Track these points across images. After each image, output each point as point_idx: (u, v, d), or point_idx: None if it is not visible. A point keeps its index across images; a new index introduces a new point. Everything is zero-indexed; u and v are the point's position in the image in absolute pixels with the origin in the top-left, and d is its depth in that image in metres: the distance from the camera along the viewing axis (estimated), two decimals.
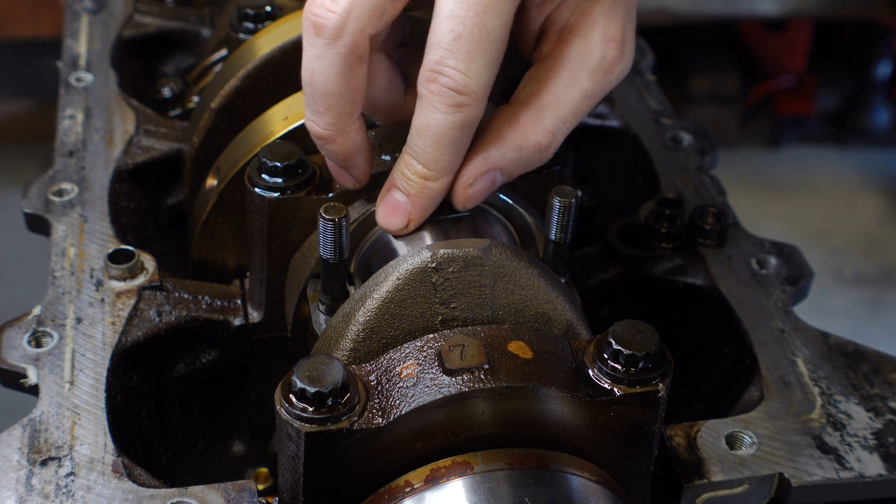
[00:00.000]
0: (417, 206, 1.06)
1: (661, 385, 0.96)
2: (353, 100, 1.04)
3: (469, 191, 1.07)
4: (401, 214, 1.07)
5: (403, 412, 0.92)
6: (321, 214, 1.04)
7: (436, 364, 0.95)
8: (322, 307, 1.12)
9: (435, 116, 1.01)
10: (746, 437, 1.12)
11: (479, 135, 1.06)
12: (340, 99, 1.04)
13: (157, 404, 1.25)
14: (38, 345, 1.17)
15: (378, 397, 0.94)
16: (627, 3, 1.07)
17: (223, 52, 1.52)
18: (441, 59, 0.98)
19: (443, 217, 1.10)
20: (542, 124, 1.05)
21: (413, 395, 0.93)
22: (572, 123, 1.06)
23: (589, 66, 1.05)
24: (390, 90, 1.10)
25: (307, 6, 1.02)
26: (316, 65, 1.03)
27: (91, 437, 1.08)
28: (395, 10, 1.02)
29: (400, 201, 1.07)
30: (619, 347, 0.96)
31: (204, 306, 1.25)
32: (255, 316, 1.25)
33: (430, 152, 1.03)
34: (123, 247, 1.27)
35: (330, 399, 0.91)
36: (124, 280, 1.24)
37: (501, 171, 1.06)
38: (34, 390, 1.14)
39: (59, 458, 1.06)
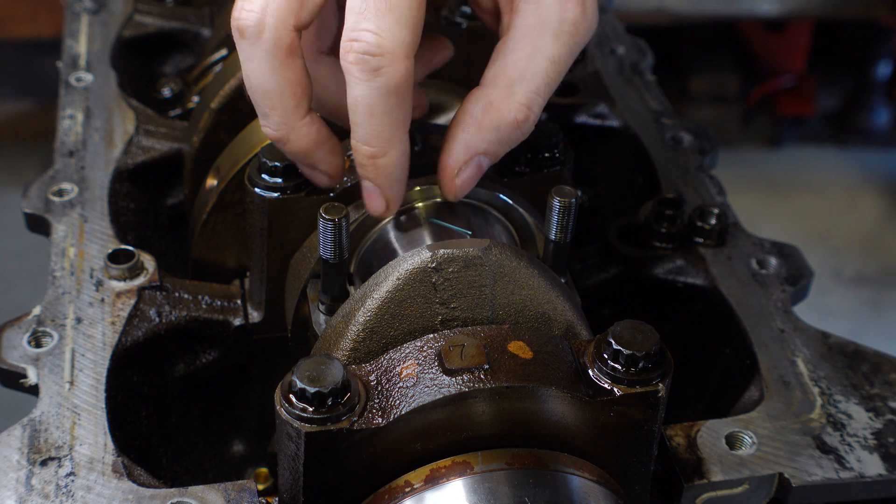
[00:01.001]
0: (383, 186, 1.05)
1: (661, 385, 0.96)
2: (295, 94, 1.03)
3: (457, 181, 1.06)
4: (376, 199, 1.06)
5: (403, 412, 0.92)
6: (321, 214, 1.04)
7: (436, 364, 0.95)
8: (322, 307, 1.12)
9: (359, 88, 0.98)
10: (746, 437, 1.12)
11: (455, 122, 1.05)
12: (281, 96, 1.03)
13: (157, 404, 1.25)
14: (38, 345, 1.17)
15: (378, 397, 0.94)
16: None
17: (223, 52, 1.52)
18: (354, 24, 0.97)
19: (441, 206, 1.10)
20: (515, 100, 1.03)
21: (413, 395, 0.93)
22: (546, 92, 1.04)
23: (550, 31, 1.02)
24: (344, 91, 1.06)
25: (231, 15, 1.03)
26: (248, 67, 1.03)
27: (91, 437, 1.08)
28: (317, 1, 1.01)
29: (368, 187, 1.06)
30: (619, 347, 0.96)
31: (204, 306, 1.25)
32: (255, 316, 1.25)
33: (365, 126, 1.01)
34: (123, 247, 1.27)
35: (330, 399, 0.91)
36: (124, 280, 1.24)
37: (485, 154, 1.05)
38: (34, 390, 1.14)
39: (59, 458, 1.06)
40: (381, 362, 0.97)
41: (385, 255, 1.12)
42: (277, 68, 1.02)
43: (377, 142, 1.01)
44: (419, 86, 1.16)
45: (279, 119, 1.05)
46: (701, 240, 1.35)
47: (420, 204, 1.14)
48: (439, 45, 1.17)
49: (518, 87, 1.03)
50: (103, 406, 1.11)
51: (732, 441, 1.11)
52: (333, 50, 1.08)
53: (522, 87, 1.03)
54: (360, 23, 0.97)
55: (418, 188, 1.13)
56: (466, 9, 1.36)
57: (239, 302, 1.27)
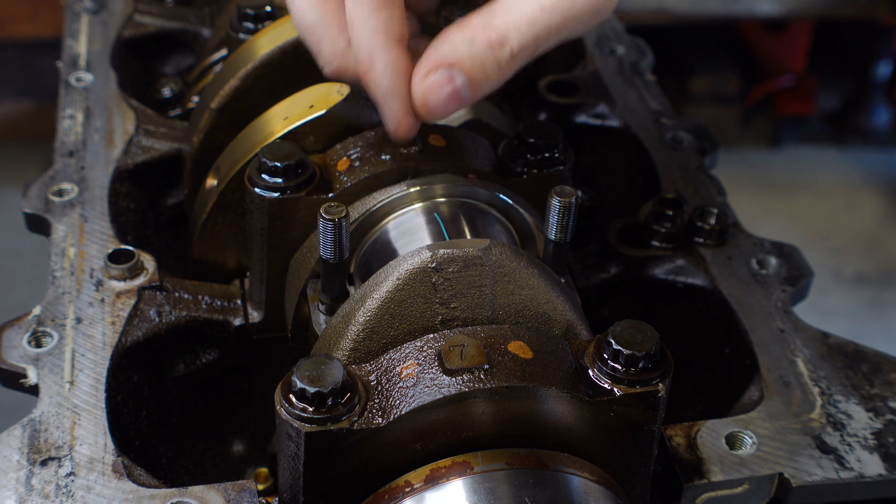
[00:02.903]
0: (379, 99, 1.06)
1: (661, 385, 0.96)
2: (338, 22, 1.07)
3: (421, 86, 1.04)
4: (386, 117, 1.07)
5: (403, 412, 0.92)
6: (321, 214, 1.04)
7: (436, 364, 0.95)
8: (322, 307, 1.12)
9: (347, 6, 1.05)
10: (746, 437, 1.12)
11: (432, 42, 1.05)
12: (324, 25, 1.08)
13: (157, 404, 1.25)
14: (38, 345, 1.17)
15: (378, 397, 0.94)
16: None
17: (223, 52, 1.52)
18: None
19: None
20: (491, 23, 1.02)
21: (413, 395, 0.93)
22: (528, 34, 1.02)
23: None
24: None
25: None
26: (293, 8, 1.10)
27: (91, 437, 1.08)
28: None
29: (380, 107, 1.07)
30: (619, 347, 0.96)
31: (204, 306, 1.25)
32: (255, 316, 1.25)
33: (354, 41, 1.05)
34: (123, 247, 1.27)
35: (330, 399, 0.91)
36: (124, 280, 1.24)
37: (458, 67, 1.03)
38: (34, 390, 1.14)
39: (59, 458, 1.06)
40: (381, 362, 0.97)
41: (385, 255, 1.12)
42: (317, 1, 1.08)
43: (363, 51, 1.04)
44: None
45: (329, 49, 1.08)
46: (701, 240, 1.35)
47: (419, 204, 1.14)
48: None
49: (499, 16, 1.03)
50: (103, 406, 1.11)
51: (732, 441, 1.11)
52: None
53: (502, 17, 1.02)
54: None
55: (418, 188, 1.13)
56: (462, 10, 1.36)
57: (239, 302, 1.27)
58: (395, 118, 1.07)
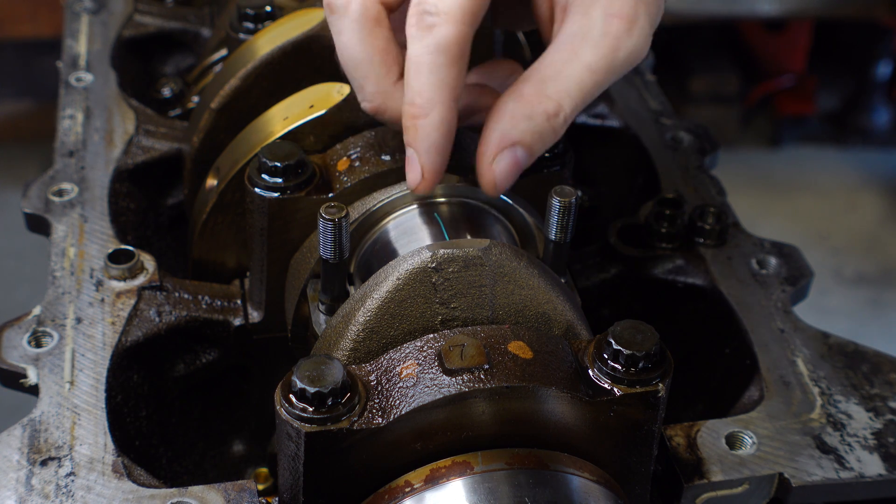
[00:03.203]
0: (420, 150, 1.05)
1: (661, 385, 0.96)
2: (384, 61, 1.06)
3: (494, 169, 1.06)
4: (413, 167, 1.07)
5: (403, 412, 0.92)
6: (321, 214, 1.04)
7: (436, 364, 0.95)
8: (322, 307, 1.12)
9: (413, 46, 1.02)
10: (746, 437, 1.12)
11: (490, 115, 1.06)
12: (371, 63, 1.06)
13: (157, 404, 1.25)
14: (38, 345, 1.17)
15: (378, 397, 0.94)
16: None
17: (223, 52, 1.52)
18: None
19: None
20: (545, 93, 1.04)
21: (413, 395, 0.93)
22: (578, 96, 1.04)
23: (590, 41, 1.03)
24: None
25: None
26: (340, 40, 1.08)
27: (91, 437, 1.08)
28: None
29: (410, 155, 1.07)
30: (619, 347, 0.96)
31: (204, 306, 1.25)
32: (255, 316, 1.25)
33: (413, 84, 1.03)
34: (123, 247, 1.27)
35: (330, 399, 0.91)
36: (124, 280, 1.24)
37: (520, 144, 1.05)
38: (34, 390, 1.14)
39: (59, 458, 1.06)
40: (381, 362, 0.97)
41: (385, 255, 1.12)
42: (366, 37, 1.06)
43: (420, 99, 1.03)
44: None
45: (373, 87, 1.08)
46: (701, 240, 1.35)
47: (419, 204, 1.14)
48: (512, 67, 1.18)
49: (550, 84, 1.04)
50: (103, 406, 1.11)
51: (732, 441, 1.11)
52: None
53: (553, 85, 1.04)
54: None
55: None
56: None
57: (239, 302, 1.27)
58: (427, 172, 1.06)
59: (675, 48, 4.35)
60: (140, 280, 1.24)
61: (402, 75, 1.07)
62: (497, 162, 1.05)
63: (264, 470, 1.35)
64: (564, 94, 1.04)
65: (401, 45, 1.08)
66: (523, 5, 1.12)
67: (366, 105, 1.09)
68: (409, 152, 1.06)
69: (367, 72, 1.07)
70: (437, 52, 1.01)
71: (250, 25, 1.40)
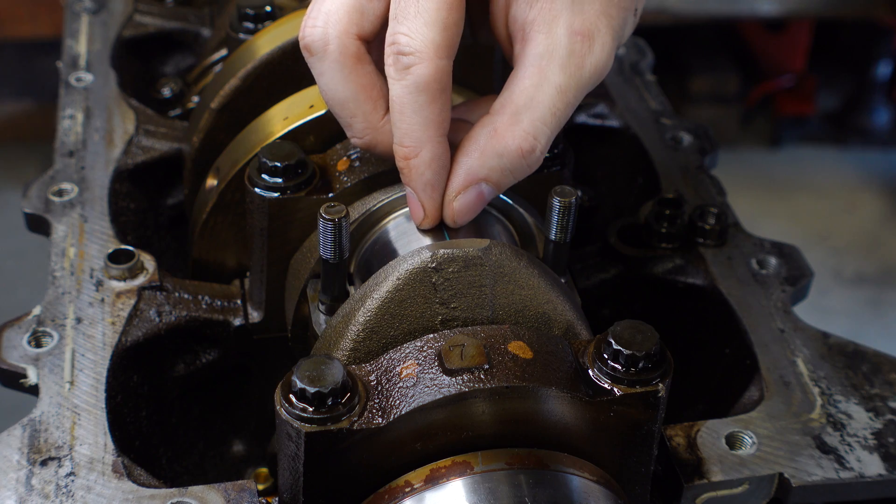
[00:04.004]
0: (417, 189, 1.06)
1: (661, 385, 0.96)
2: (370, 97, 1.06)
3: (454, 205, 1.06)
4: (415, 205, 1.07)
5: (403, 412, 0.92)
6: (321, 214, 1.04)
7: (436, 364, 0.95)
8: (322, 307, 1.12)
9: (394, 88, 1.02)
10: (746, 437, 1.12)
11: (460, 148, 1.06)
12: (357, 101, 1.06)
13: (157, 404, 1.25)
14: (38, 345, 1.17)
15: (378, 397, 0.94)
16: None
17: (223, 52, 1.52)
18: (392, 30, 1.01)
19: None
20: (520, 128, 1.03)
21: (413, 395, 0.93)
22: (553, 123, 1.04)
23: (557, 61, 1.02)
24: None
25: (299, 36, 1.06)
26: (322, 82, 1.07)
27: (91, 437, 1.08)
28: (377, 8, 1.04)
29: (409, 194, 1.07)
30: (619, 347, 0.96)
31: (204, 306, 1.25)
32: (255, 316, 1.25)
33: (399, 126, 1.03)
34: (123, 247, 1.27)
35: (330, 399, 0.91)
36: (124, 280, 1.24)
37: (486, 181, 1.05)
38: (34, 390, 1.14)
39: (59, 458, 1.06)
40: (381, 362, 0.97)
41: (385, 255, 1.12)
42: (348, 76, 1.05)
43: (409, 140, 1.03)
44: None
45: (361, 125, 1.07)
46: (701, 240, 1.35)
47: None
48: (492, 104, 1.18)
49: (524, 115, 1.03)
50: (103, 406, 1.11)
51: (732, 441, 1.11)
52: None
53: (528, 116, 1.03)
54: (395, 27, 1.01)
55: None
56: None
57: (239, 302, 1.27)
58: (428, 208, 1.07)
59: (675, 48, 4.35)
60: (140, 280, 1.24)
61: (388, 109, 1.06)
62: (459, 199, 1.06)
63: (264, 470, 1.35)
64: (539, 123, 1.03)
65: (384, 75, 1.07)
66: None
67: (356, 142, 1.09)
68: (408, 190, 1.07)
69: (354, 110, 1.06)
70: (418, 92, 1.01)
71: (250, 25, 1.40)
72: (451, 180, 1.06)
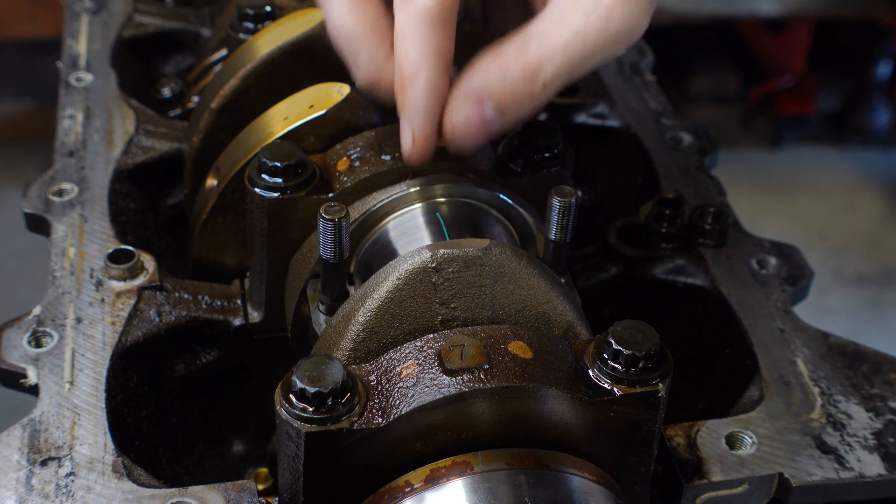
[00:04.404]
0: (409, 114, 1.04)
1: (661, 385, 0.96)
2: (377, 32, 1.06)
3: (453, 119, 1.03)
4: (405, 134, 1.06)
5: (403, 412, 0.92)
6: (321, 214, 1.04)
7: (436, 364, 0.95)
8: (322, 307, 1.12)
9: (399, 17, 1.02)
10: (746, 437, 1.12)
11: (461, 75, 1.04)
12: (363, 34, 1.06)
13: (157, 404, 1.25)
14: (38, 345, 1.17)
15: (378, 397, 0.94)
16: None
17: (223, 52, 1.52)
18: None
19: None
20: (525, 53, 1.00)
21: (413, 395, 0.93)
22: (562, 62, 1.00)
23: (581, 7, 0.99)
24: None
25: None
26: (330, 14, 1.07)
27: (91, 437, 1.08)
28: None
29: (402, 122, 1.06)
30: (619, 347, 0.96)
31: (204, 306, 1.25)
32: (255, 316, 1.25)
33: (399, 51, 1.02)
34: (123, 247, 1.27)
35: (330, 399, 0.91)
36: (124, 280, 1.24)
37: (489, 99, 1.02)
38: (34, 390, 1.14)
39: (59, 458, 1.06)
40: (381, 362, 0.97)
41: (385, 255, 1.12)
42: (356, 10, 1.06)
43: (407, 64, 1.02)
44: None
45: (366, 59, 1.07)
46: (701, 240, 1.35)
47: (419, 204, 1.14)
48: None
49: (533, 44, 1.01)
50: (103, 406, 1.11)
51: (732, 441, 1.11)
52: None
53: (536, 45, 1.00)
54: None
55: (418, 188, 1.13)
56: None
57: (239, 302, 1.27)
58: (417, 137, 1.05)
59: (675, 48, 4.35)
60: (140, 280, 1.24)
61: (394, 47, 1.06)
62: (458, 113, 1.03)
63: (264, 470, 1.35)
64: (547, 55, 1.00)
65: (392, 15, 1.06)
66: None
67: (360, 77, 1.08)
68: (402, 119, 1.06)
69: (359, 44, 1.06)
70: (421, 19, 1.01)
71: (250, 25, 1.40)
72: (450, 97, 1.04)
